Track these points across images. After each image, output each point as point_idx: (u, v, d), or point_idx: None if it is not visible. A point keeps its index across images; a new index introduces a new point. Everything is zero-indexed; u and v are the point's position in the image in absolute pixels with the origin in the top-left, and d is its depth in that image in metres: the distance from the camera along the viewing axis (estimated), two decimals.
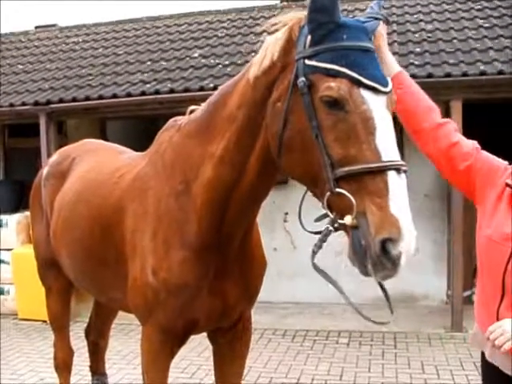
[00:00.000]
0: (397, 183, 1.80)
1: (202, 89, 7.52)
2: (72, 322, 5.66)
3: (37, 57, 10.80)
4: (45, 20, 12.66)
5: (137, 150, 3.50)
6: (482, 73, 6.71)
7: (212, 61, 8.65)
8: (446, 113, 6.83)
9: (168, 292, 2.57)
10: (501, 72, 6.65)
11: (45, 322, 7.29)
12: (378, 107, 1.88)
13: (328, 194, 1.89)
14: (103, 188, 3.05)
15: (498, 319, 2.27)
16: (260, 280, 2.90)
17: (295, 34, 2.04)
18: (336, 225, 1.92)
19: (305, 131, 1.95)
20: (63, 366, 4.14)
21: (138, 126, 10.48)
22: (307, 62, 1.94)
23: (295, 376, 5.63)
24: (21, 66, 10.42)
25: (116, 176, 3.00)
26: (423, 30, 8.42)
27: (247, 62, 8.21)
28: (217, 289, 2.64)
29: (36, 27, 12.94)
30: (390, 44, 7.59)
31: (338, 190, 1.85)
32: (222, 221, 2.51)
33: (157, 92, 7.78)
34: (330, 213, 1.93)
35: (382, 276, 1.84)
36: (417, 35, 8.25)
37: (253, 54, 8.48)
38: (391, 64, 2.46)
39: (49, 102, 8.22)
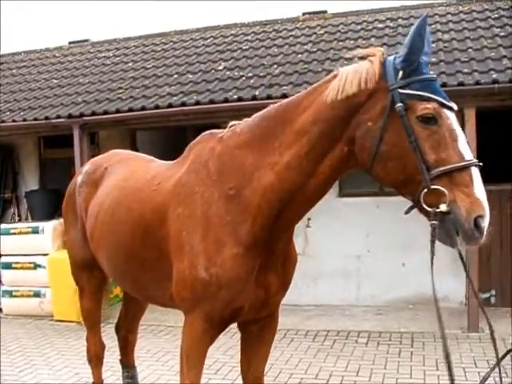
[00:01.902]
0: (477, 176, 2.36)
1: (226, 100, 7.82)
2: (105, 324, 6.05)
3: (70, 71, 11.35)
4: (78, 35, 13.17)
5: (164, 158, 3.84)
6: (495, 81, 6.91)
7: (236, 73, 9.00)
8: (461, 121, 7.07)
9: (219, 285, 2.86)
10: None
11: (79, 322, 7.72)
12: (455, 120, 2.46)
13: (425, 190, 2.39)
14: (142, 195, 3.35)
15: None
16: (293, 274, 3.23)
17: (380, 68, 2.56)
18: (433, 215, 2.39)
19: (402, 144, 2.45)
20: (96, 358, 4.48)
21: (166, 135, 10.89)
22: (401, 91, 2.47)
23: (314, 372, 5.93)
24: (55, 81, 10.96)
25: (154, 184, 3.30)
26: (440, 40, 8.65)
27: (269, 74, 8.51)
28: (261, 280, 2.96)
29: (70, 42, 13.50)
30: None
31: (433, 186, 2.36)
32: (277, 220, 2.83)
33: (183, 104, 8.14)
34: (426, 206, 2.40)
35: (473, 244, 2.38)
36: (433, 45, 8.44)
37: (275, 65, 8.83)
38: None
39: (82, 115, 8.71)
